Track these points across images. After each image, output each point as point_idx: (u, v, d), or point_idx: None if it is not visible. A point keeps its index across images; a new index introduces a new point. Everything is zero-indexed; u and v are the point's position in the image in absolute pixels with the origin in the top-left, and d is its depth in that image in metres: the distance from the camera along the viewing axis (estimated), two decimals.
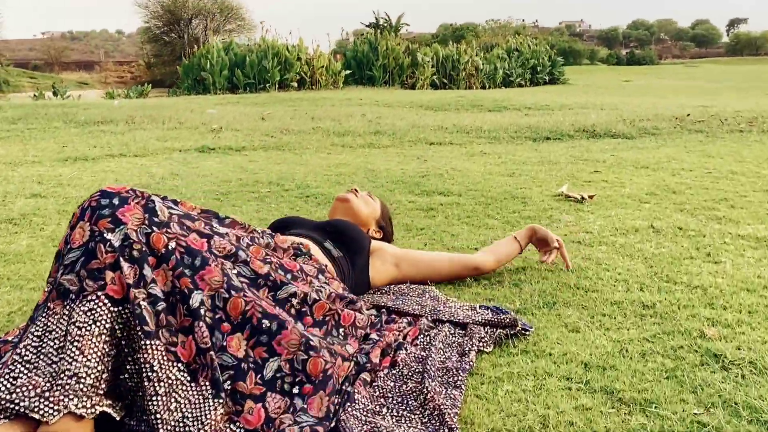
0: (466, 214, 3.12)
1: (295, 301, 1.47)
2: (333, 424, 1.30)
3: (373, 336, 1.62)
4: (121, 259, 1.26)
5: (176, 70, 16.86)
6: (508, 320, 1.72)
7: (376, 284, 2.06)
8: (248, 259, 1.44)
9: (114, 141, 5.92)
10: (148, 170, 4.44)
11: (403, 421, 1.32)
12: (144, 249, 1.29)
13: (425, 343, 1.65)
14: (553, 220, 2.98)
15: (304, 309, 1.48)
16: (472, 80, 18.33)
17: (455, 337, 1.68)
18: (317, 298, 1.51)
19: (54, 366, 1.18)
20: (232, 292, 1.33)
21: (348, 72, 16.95)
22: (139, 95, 14.78)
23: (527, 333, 1.73)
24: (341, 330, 1.55)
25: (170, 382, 1.23)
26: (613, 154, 4.99)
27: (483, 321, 1.73)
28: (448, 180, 3.93)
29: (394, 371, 1.51)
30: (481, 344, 1.63)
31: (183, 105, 9.51)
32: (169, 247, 1.31)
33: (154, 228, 1.32)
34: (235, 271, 1.39)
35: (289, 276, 1.52)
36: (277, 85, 15.12)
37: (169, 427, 1.19)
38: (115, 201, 1.33)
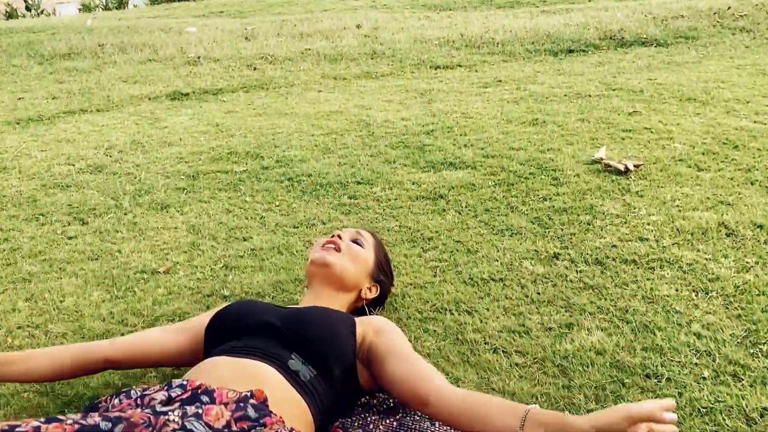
0: (483, 205, 2.51)
1: None
2: None
3: None
4: None
5: None
6: None
7: (367, 388, 1.50)
8: None
9: (77, 86, 5.21)
10: (108, 137, 3.80)
11: None
12: None
13: None
14: (595, 212, 2.37)
15: None
16: None
17: None
18: None
19: None
20: None
21: None
22: (118, 5, 13.67)
23: None
24: None
25: None
26: (650, 77, 4.25)
27: None
28: (459, 138, 3.28)
29: None
30: None
31: (161, 23, 8.62)
32: None
33: None
34: None
35: None
36: None
37: None
38: None
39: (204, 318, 1.57)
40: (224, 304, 1.67)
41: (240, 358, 1.34)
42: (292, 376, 1.33)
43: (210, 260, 2.27)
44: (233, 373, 1.28)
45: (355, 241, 1.76)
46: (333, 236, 1.74)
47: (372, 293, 1.75)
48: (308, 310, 1.52)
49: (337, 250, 1.70)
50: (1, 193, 3.02)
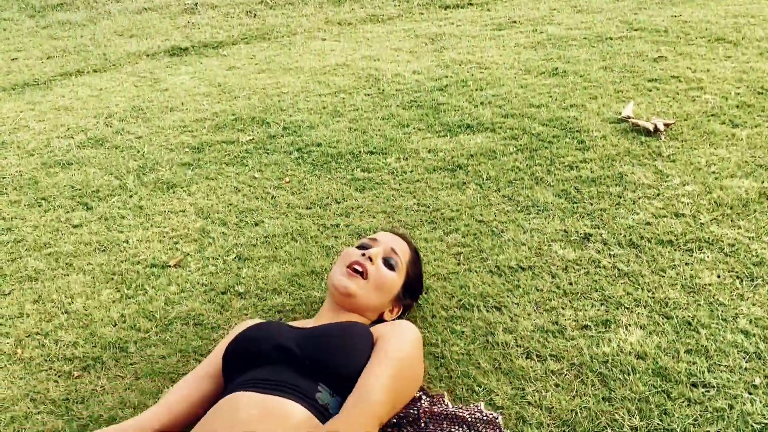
0: (506, 176, 2.37)
1: None
2: None
3: None
4: None
5: None
6: None
7: None
8: None
9: (71, 43, 5.01)
10: (107, 103, 3.65)
11: None
12: None
13: None
14: (626, 182, 2.23)
15: None
16: None
17: None
18: None
19: None
20: None
21: None
22: None
23: None
24: None
25: None
26: (674, 12, 4.00)
27: None
28: (475, 94, 3.10)
29: None
30: None
31: None
32: None
33: None
34: None
35: None
36: None
37: None
38: None
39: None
40: (242, 327, 1.57)
41: (264, 394, 1.25)
42: (320, 412, 1.25)
43: (222, 250, 2.17)
44: (257, 414, 1.19)
45: (387, 261, 1.62)
46: (363, 254, 1.60)
47: (393, 314, 1.65)
48: (325, 331, 1.42)
49: (365, 276, 1.57)
50: (1, 174, 2.90)
